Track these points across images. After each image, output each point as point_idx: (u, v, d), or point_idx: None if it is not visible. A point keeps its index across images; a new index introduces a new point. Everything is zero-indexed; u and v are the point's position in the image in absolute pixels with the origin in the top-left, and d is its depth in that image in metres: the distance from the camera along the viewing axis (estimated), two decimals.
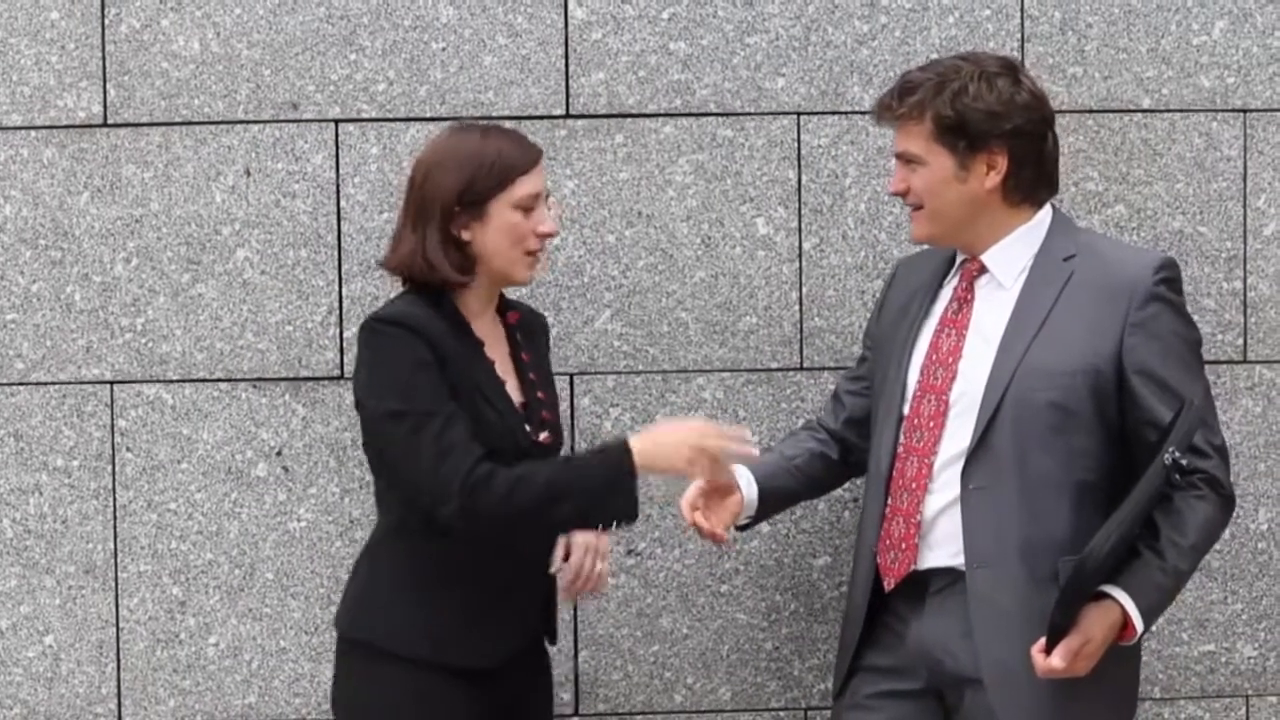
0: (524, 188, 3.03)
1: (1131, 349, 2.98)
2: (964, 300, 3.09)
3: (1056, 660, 2.88)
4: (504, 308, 3.19)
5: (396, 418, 2.95)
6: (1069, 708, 2.99)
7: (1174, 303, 3.03)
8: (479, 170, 3.01)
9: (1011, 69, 3.07)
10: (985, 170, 3.04)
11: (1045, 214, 3.10)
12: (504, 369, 3.10)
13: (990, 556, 2.99)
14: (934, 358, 3.07)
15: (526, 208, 3.04)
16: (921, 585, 3.07)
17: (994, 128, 3.02)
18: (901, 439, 3.08)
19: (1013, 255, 3.07)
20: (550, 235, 3.08)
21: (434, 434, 2.93)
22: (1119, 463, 3.01)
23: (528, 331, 3.23)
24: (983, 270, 3.09)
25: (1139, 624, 2.92)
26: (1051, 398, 2.98)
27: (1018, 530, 2.98)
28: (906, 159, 3.06)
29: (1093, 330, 2.99)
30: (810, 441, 3.32)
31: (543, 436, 3.12)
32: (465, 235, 3.02)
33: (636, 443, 2.98)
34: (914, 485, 3.04)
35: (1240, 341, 3.67)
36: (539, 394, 3.16)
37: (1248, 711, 3.70)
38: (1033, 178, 3.07)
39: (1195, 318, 3.61)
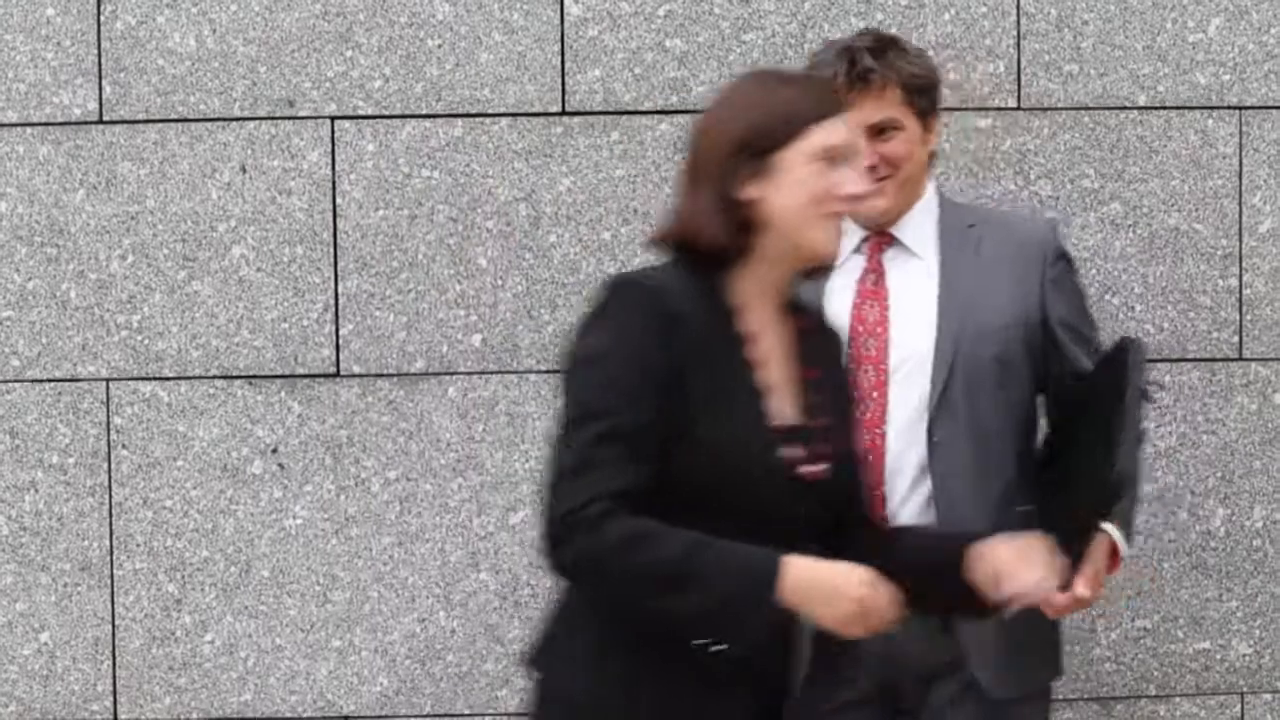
0: (823, 137, 2.45)
1: (1052, 304, 3.11)
2: (878, 272, 3.12)
3: (1084, 589, 2.87)
4: (793, 308, 2.58)
5: (570, 403, 2.41)
6: (1030, 659, 3.12)
7: (1072, 259, 3.20)
8: (766, 116, 2.45)
9: None
10: (933, 133, 3.14)
11: (933, 185, 3.19)
12: (775, 377, 2.48)
13: (953, 512, 3.03)
14: (860, 330, 3.08)
15: (827, 161, 2.45)
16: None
17: (940, 89, 3.16)
18: None
19: (919, 224, 3.14)
20: (856, 198, 2.49)
21: (587, 439, 2.36)
22: (1035, 415, 3.15)
23: (820, 344, 2.60)
24: (891, 242, 3.13)
25: (1125, 551, 3.00)
26: (995, 352, 3.07)
27: (974, 486, 3.04)
28: (880, 128, 3.06)
29: (1017, 287, 3.10)
30: None
31: (808, 469, 2.47)
32: (749, 195, 2.44)
33: (793, 567, 2.35)
34: (869, 458, 3.03)
35: (1235, 339, 3.67)
36: (821, 420, 2.52)
37: (1243, 709, 3.70)
38: None
39: (1191, 315, 3.66)
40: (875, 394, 3.06)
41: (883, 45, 3.10)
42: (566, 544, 2.35)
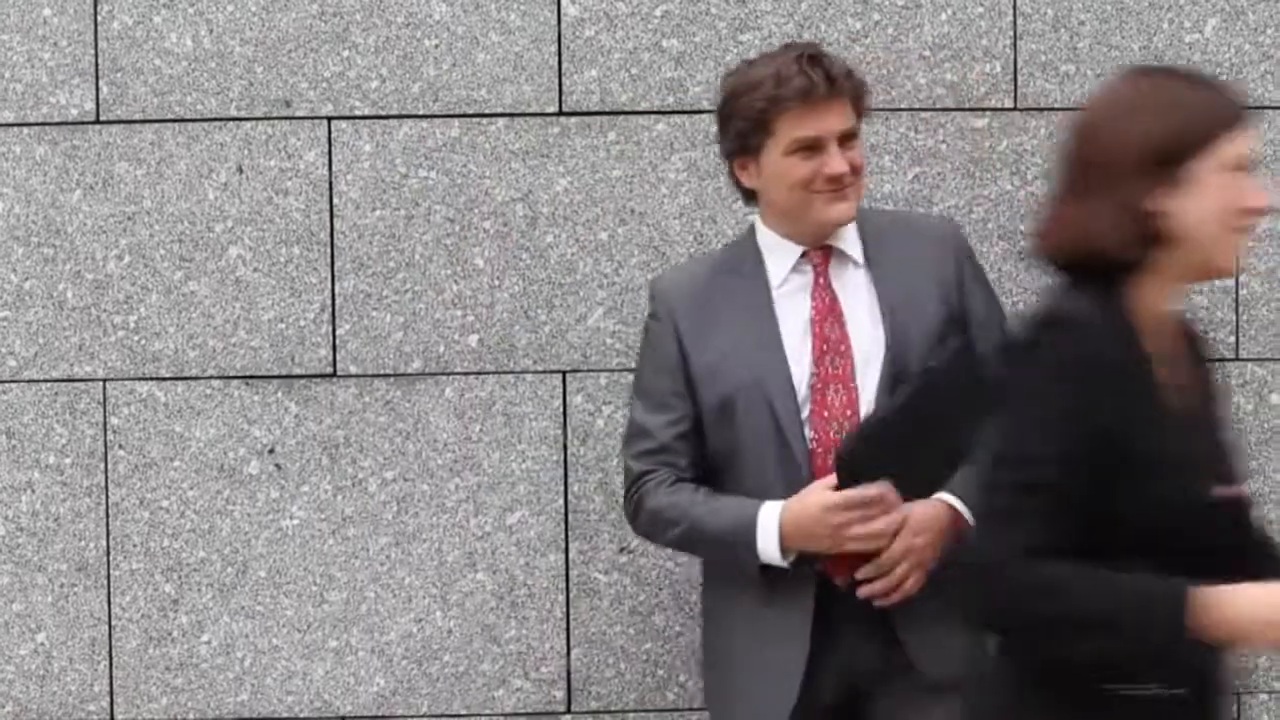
0: (1235, 147, 2.33)
1: (971, 304, 3.17)
2: (828, 288, 3.12)
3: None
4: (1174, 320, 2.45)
5: (1002, 436, 2.33)
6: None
7: (974, 255, 3.29)
8: (1179, 124, 2.31)
9: None
10: None
11: None
12: (1176, 397, 2.36)
13: None
14: (825, 349, 3.08)
15: (1238, 171, 2.33)
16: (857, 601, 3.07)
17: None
18: (813, 435, 3.08)
19: (851, 233, 3.15)
20: (1265, 211, 2.36)
21: (1012, 484, 2.27)
22: None
23: (1194, 353, 2.49)
24: (828, 254, 3.13)
25: (969, 516, 2.98)
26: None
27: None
28: (846, 136, 3.08)
29: (938, 288, 3.14)
30: (702, 491, 3.18)
31: (1226, 490, 2.37)
32: (1156, 206, 2.30)
33: (1214, 597, 2.24)
34: None
35: (1232, 339, 3.68)
36: (1217, 437, 2.43)
37: (1239, 709, 3.70)
38: None
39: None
40: (849, 412, 3.07)
41: (826, 54, 3.12)
42: (978, 593, 2.31)
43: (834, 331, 3.09)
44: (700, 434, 3.16)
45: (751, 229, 3.21)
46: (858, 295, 3.12)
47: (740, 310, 3.13)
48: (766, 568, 3.05)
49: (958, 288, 3.16)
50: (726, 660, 3.17)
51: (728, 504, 3.11)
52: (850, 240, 3.14)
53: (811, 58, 3.07)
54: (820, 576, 3.06)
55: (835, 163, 3.06)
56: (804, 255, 3.13)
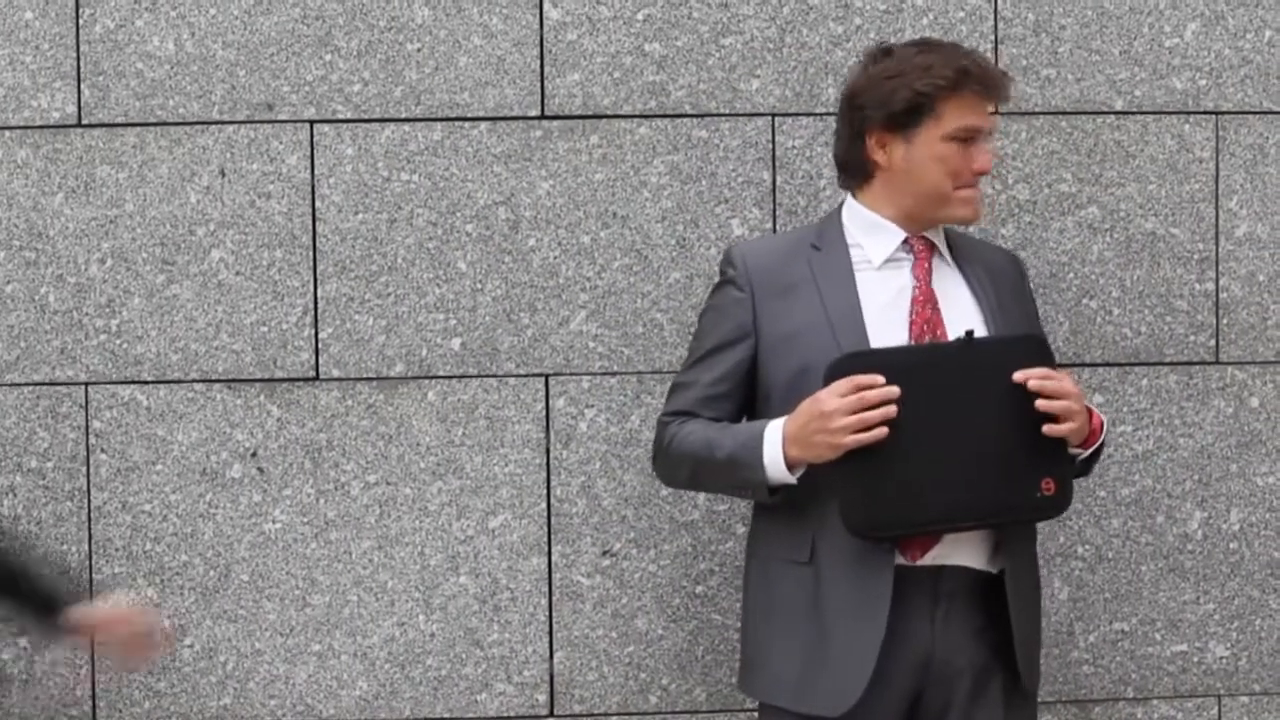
0: None
1: (1036, 320, 3.30)
2: (928, 274, 3.13)
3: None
4: None
5: None
6: (1037, 655, 3.19)
7: None
8: None
9: None
10: None
11: None
12: None
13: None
14: (924, 327, 3.09)
15: None
16: (929, 584, 3.07)
17: None
18: None
19: (939, 233, 3.20)
20: None
21: None
22: None
23: None
24: (930, 247, 3.16)
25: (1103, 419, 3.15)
26: None
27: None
28: (988, 136, 3.14)
29: (1016, 302, 3.22)
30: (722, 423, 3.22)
31: None
32: None
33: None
34: None
35: (1212, 343, 3.69)
36: None
37: (1220, 711, 3.72)
38: None
39: (1168, 319, 3.68)
40: None
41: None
42: None
43: (927, 311, 3.10)
44: (741, 400, 3.17)
45: (837, 210, 3.22)
46: (956, 288, 3.15)
47: (821, 284, 3.13)
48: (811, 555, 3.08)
49: (1026, 306, 3.27)
50: (776, 646, 3.15)
51: (741, 426, 3.12)
52: (940, 238, 3.19)
53: (974, 55, 3.14)
54: (895, 565, 3.05)
55: (984, 158, 3.11)
56: (905, 240, 3.15)
